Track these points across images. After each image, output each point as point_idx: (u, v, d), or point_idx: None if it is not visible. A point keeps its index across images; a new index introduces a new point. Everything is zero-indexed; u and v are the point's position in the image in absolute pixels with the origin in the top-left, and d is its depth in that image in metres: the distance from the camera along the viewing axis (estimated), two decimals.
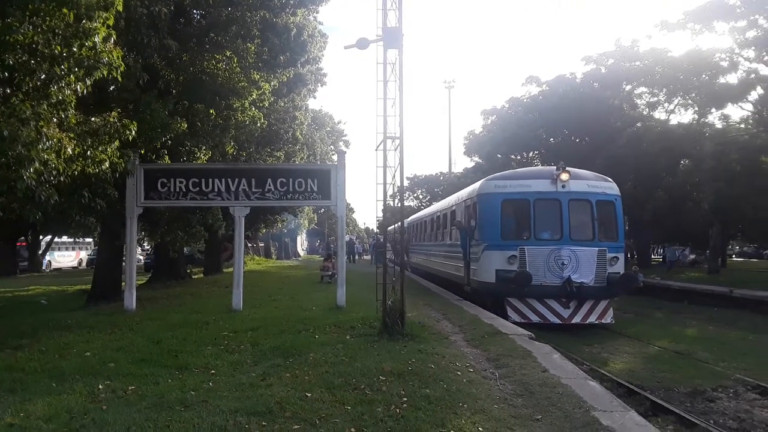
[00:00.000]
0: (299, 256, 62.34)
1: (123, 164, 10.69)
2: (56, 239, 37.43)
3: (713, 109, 27.58)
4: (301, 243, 69.99)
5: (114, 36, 8.21)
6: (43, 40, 7.35)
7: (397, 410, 5.62)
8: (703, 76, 25.35)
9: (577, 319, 13.27)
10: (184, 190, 13.19)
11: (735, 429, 6.65)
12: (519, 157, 38.04)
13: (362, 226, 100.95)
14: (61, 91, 7.80)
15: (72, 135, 8.35)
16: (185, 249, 25.57)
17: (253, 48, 14.17)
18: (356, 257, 44.20)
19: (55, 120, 7.95)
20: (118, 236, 14.95)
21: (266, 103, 16.40)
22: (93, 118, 9.24)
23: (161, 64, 12.92)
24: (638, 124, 31.24)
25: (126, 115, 10.12)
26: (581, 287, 13.05)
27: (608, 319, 13.56)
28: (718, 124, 29.58)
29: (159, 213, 15.98)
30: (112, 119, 9.33)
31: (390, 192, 10.33)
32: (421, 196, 63.06)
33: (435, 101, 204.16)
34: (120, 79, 8.92)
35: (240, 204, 13.29)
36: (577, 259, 13.24)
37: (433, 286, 20.30)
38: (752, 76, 24.39)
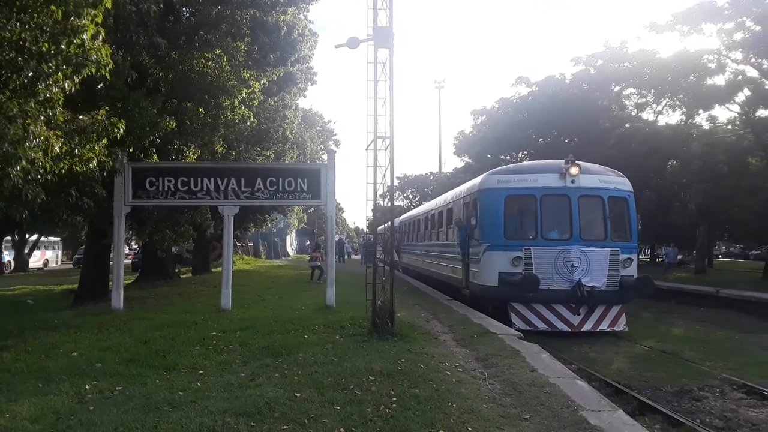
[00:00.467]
0: (289, 255, 62.22)
1: (111, 163, 10.60)
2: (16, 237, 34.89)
3: (701, 111, 27.82)
4: (291, 242, 69.88)
5: (102, 33, 8.15)
6: (31, 37, 7.27)
7: (387, 410, 5.62)
8: (691, 77, 25.56)
9: (587, 327, 12.19)
10: (172, 189, 13.11)
11: (721, 428, 6.71)
12: (508, 158, 38.17)
13: (352, 226, 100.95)
14: (48, 89, 7.72)
15: (59, 133, 8.28)
16: (173, 248, 25.45)
17: (242, 46, 14.13)
18: (346, 257, 44.18)
19: (42, 118, 7.87)
20: (105, 235, 14.85)
21: (256, 102, 16.35)
22: (81, 116, 9.17)
23: (150, 62, 12.84)
24: (626, 125, 31.47)
25: (114, 114, 10.05)
26: (592, 291, 12.01)
27: (621, 326, 12.52)
28: (706, 126, 29.86)
29: (147, 212, 15.89)
30: (100, 117, 9.26)
31: (380, 192, 10.34)
32: (411, 196, 63.17)
33: (425, 101, 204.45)
34: (108, 77, 8.87)
35: (229, 203, 13.24)
36: (587, 260, 12.20)
37: (423, 286, 20.31)
38: (739, 77, 24.62)
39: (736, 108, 26.02)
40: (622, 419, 5.54)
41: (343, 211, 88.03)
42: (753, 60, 24.18)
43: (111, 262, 14.98)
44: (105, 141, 9.42)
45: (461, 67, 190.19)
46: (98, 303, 14.65)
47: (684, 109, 28.70)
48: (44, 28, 7.34)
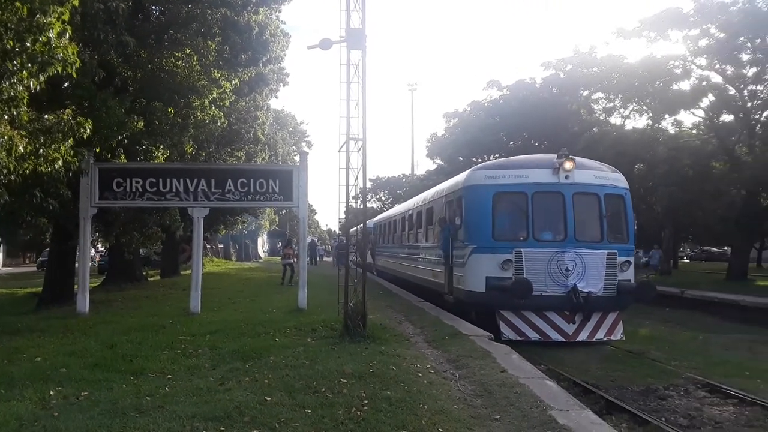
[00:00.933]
0: (260, 257, 61.68)
1: (77, 163, 10.39)
2: None
3: (666, 115, 28.46)
4: (262, 245, 69.28)
5: (69, 31, 7.98)
6: None
7: (358, 413, 5.61)
8: (658, 82, 26.14)
9: (582, 336, 11.18)
10: (140, 190, 12.89)
11: (686, 426, 6.87)
12: (480, 160, 38.50)
13: (324, 228, 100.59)
14: (12, 88, 7.53)
15: (24, 133, 8.07)
16: (141, 250, 25.03)
17: (213, 46, 13.98)
18: (318, 259, 43.99)
19: (6, 117, 7.68)
20: (71, 237, 14.53)
21: (227, 102, 16.20)
22: (46, 116, 8.96)
23: (118, 60, 12.62)
24: (595, 129, 32.02)
25: (81, 113, 9.84)
26: (588, 297, 10.93)
27: (618, 335, 11.52)
28: (671, 130, 30.56)
29: (114, 213, 15.60)
30: (66, 117, 9.06)
31: (353, 193, 10.33)
32: (383, 198, 63.26)
33: (398, 103, 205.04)
34: (75, 76, 8.71)
35: (199, 205, 13.06)
36: (583, 263, 11.15)
37: (396, 288, 20.29)
38: (704, 83, 25.28)
39: (701, 113, 26.72)
40: (589, 418, 5.62)
41: (315, 213, 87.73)
42: (717, 66, 24.87)
43: (76, 265, 14.66)
44: (71, 141, 9.22)
45: (434, 69, 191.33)
46: (63, 306, 14.32)
47: (650, 114, 29.33)
48: (8, 25, 7.16)
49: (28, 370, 7.41)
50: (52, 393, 6.33)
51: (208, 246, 40.74)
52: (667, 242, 31.43)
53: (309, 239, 28.97)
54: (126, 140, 13.07)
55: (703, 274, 30.46)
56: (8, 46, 7.21)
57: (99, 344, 9.10)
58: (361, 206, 10.83)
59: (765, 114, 24.41)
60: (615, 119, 33.72)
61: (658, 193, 28.46)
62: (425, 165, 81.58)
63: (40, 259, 40.08)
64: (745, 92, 24.64)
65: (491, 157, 38.82)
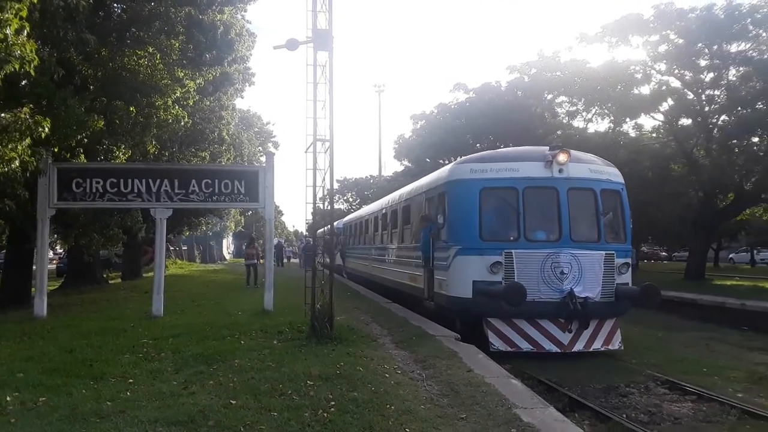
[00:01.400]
0: (225, 259, 60.97)
1: (35, 163, 10.12)
2: None
3: (628, 119, 29.09)
4: (227, 246, 68.49)
5: (27, 28, 7.77)
6: None
7: (325, 414, 5.59)
8: (619, 87, 26.71)
9: (579, 346, 10.24)
10: (101, 190, 12.61)
11: (646, 423, 7.01)
12: (447, 162, 38.80)
13: (291, 229, 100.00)
14: None
15: None
16: (102, 252, 24.46)
17: (177, 45, 13.77)
18: (285, 261, 43.68)
19: None
20: (28, 239, 14.13)
21: (191, 102, 15.98)
22: (3, 114, 8.70)
23: (78, 58, 12.31)
24: (558, 132, 32.54)
25: (39, 112, 9.57)
26: (585, 304, 10.01)
27: (616, 344, 10.62)
28: (632, 133, 31.29)
29: (73, 215, 15.22)
30: (23, 115, 8.80)
31: (320, 195, 10.31)
32: (351, 199, 63.16)
33: (365, 105, 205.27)
34: (33, 74, 8.49)
35: (161, 206, 12.84)
36: (579, 266, 10.21)
37: (363, 290, 20.25)
38: (663, 87, 25.94)
39: (661, 117, 27.41)
40: (553, 416, 5.72)
41: (282, 215, 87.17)
42: (676, 71, 25.57)
43: (34, 267, 14.24)
44: (28, 140, 8.97)
45: (401, 71, 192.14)
46: (20, 310, 13.91)
47: (612, 118, 29.94)
48: None
49: None
50: (8, 399, 6.15)
51: (171, 248, 40.09)
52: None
53: (276, 240, 28.71)
54: (86, 140, 12.77)
55: (663, 274, 31.27)
56: None
57: (57, 348, 8.88)
58: (329, 207, 10.80)
59: (722, 118, 25.17)
60: (578, 122, 34.35)
61: None
62: (393, 166, 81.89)
63: None
64: (703, 97, 25.39)
65: (457, 159, 39.14)
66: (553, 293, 10.10)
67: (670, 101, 25.96)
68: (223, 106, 24.47)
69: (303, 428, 5.26)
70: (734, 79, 24.27)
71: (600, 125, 33.29)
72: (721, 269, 38.46)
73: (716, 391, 8.13)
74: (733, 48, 23.66)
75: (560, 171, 10.63)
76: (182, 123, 15.44)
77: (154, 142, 15.53)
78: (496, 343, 10.16)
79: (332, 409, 5.75)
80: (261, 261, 23.07)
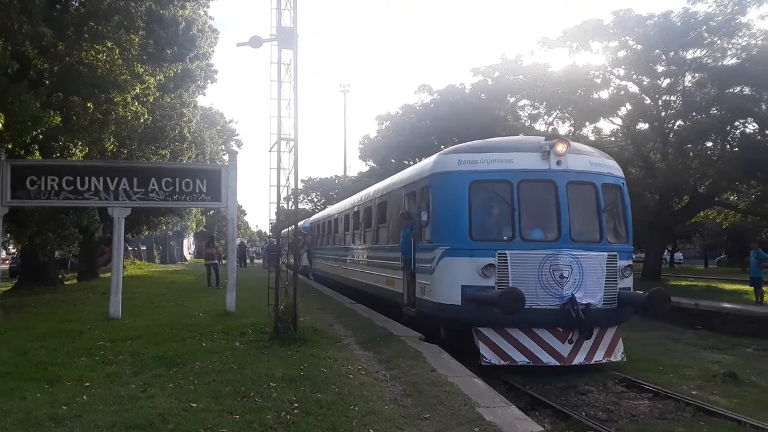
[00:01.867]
0: (186, 260, 59.92)
1: None
2: None
3: (587, 123, 29.74)
4: (188, 246, 67.32)
5: None
6: None
7: (288, 416, 5.53)
8: (579, 91, 27.27)
9: (579, 358, 9.15)
10: (56, 188, 12.23)
11: (604, 420, 7.16)
12: (412, 163, 38.98)
13: (255, 229, 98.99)
14: None
15: None
16: (57, 252, 23.75)
17: (137, 40, 13.46)
18: (248, 261, 43.17)
19: None
20: None
21: (151, 98, 15.67)
22: None
23: (33, 52, 11.92)
24: (521, 135, 33.05)
25: None
26: (587, 311, 8.92)
27: (618, 355, 9.57)
28: (592, 137, 31.90)
29: (28, 213, 14.74)
30: None
31: (284, 194, 10.20)
32: (315, 199, 62.75)
33: (331, 104, 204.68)
34: None
35: (120, 204, 12.52)
36: (580, 268, 9.13)
37: (328, 290, 20.14)
38: (622, 92, 26.60)
39: (619, 121, 28.08)
40: (514, 414, 5.79)
41: (245, 214, 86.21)
42: (634, 77, 26.26)
43: None
44: None
45: (366, 72, 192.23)
46: None
47: (572, 121, 30.55)
48: None
49: None
50: None
51: (130, 248, 39.20)
52: None
53: (238, 241, 28.28)
54: (41, 136, 12.39)
55: None
56: None
57: (10, 351, 8.59)
58: (293, 207, 10.70)
59: (678, 123, 25.95)
60: (540, 126, 34.91)
61: None
62: (358, 167, 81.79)
63: None
64: (660, 102, 26.13)
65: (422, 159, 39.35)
66: (552, 299, 8.98)
67: (628, 106, 26.64)
68: (185, 103, 24.02)
69: (265, 431, 5.20)
70: (690, 85, 25.08)
71: (561, 128, 33.92)
72: (676, 270, 39.61)
73: (672, 389, 8.35)
74: (689, 55, 24.45)
75: (558, 163, 9.52)
76: (142, 120, 15.14)
77: (112, 140, 15.17)
78: (488, 356, 8.98)
79: (295, 411, 5.70)
80: (223, 261, 22.69)
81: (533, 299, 8.81)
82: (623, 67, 26.12)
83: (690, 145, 24.72)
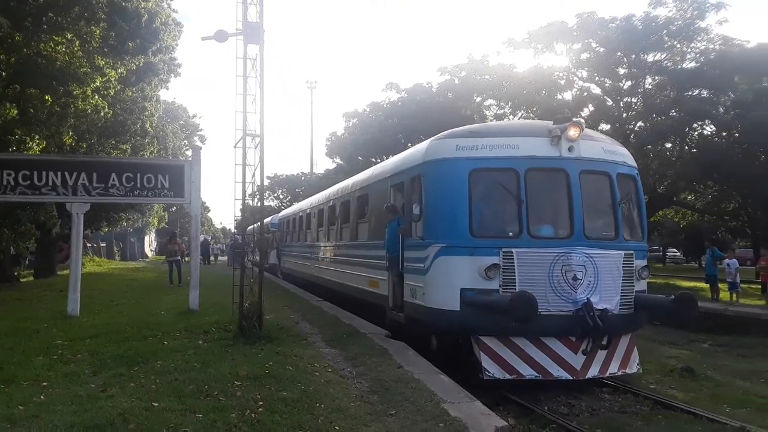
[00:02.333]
0: (147, 257, 58.80)
1: None
2: None
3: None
4: (150, 243, 66.07)
5: None
6: None
7: (253, 415, 5.48)
8: (544, 92, 27.73)
9: (593, 371, 8.08)
10: (12, 183, 11.86)
11: (566, 414, 7.31)
12: (380, 161, 39.02)
13: (219, 226, 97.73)
14: None
15: None
16: (12, 249, 23.02)
17: (98, 32, 13.15)
18: (212, 259, 42.61)
19: None
20: None
21: (112, 92, 15.35)
22: None
23: None
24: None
25: None
26: (603, 317, 7.82)
27: (634, 366, 8.54)
28: None
29: None
30: None
31: (249, 191, 10.10)
32: (281, 197, 62.25)
33: (297, 101, 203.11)
34: None
35: (79, 200, 12.21)
36: (595, 269, 8.08)
37: (294, 288, 19.98)
38: (585, 94, 27.16)
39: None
40: (479, 409, 5.85)
41: (209, 211, 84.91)
42: (597, 78, 26.81)
43: None
44: None
45: (334, 69, 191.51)
46: None
47: None
48: None
49: None
50: None
51: (89, 244, 38.25)
52: None
53: (202, 238, 27.78)
54: None
55: None
56: None
57: None
58: (259, 204, 10.59)
59: (638, 124, 26.61)
60: None
61: None
62: (325, 164, 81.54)
63: None
64: (621, 104, 26.76)
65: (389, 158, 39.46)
66: (565, 304, 7.90)
67: (591, 107, 27.19)
68: (147, 96, 23.57)
69: (230, 429, 5.14)
70: (650, 87, 25.75)
71: None
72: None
73: (631, 384, 8.56)
74: (650, 58, 25.10)
75: (570, 149, 8.42)
76: (102, 113, 14.82)
77: (71, 133, 14.79)
78: (491, 369, 7.84)
79: (260, 410, 5.65)
80: (186, 259, 22.30)
81: (543, 304, 7.69)
82: (586, 69, 26.66)
83: (650, 146, 25.36)
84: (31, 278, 24.78)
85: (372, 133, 36.71)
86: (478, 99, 34.28)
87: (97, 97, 14.20)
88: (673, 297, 8.41)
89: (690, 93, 23.62)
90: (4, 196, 12.05)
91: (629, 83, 26.19)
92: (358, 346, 8.83)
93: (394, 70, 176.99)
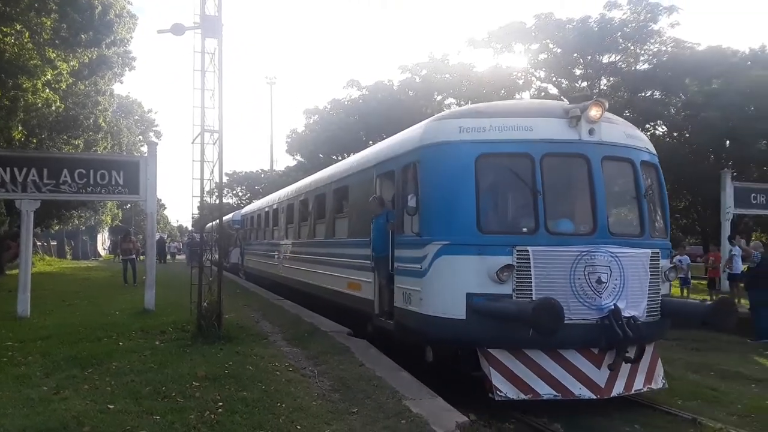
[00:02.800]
0: (100, 256, 57.26)
1: None
2: None
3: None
4: (103, 242, 64.33)
5: None
6: None
7: (212, 416, 5.41)
8: (502, 91, 28.12)
9: (618, 388, 7.06)
10: None
11: (524, 411, 7.42)
12: (341, 158, 38.91)
13: (175, 224, 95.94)
14: None
15: None
16: None
17: (49, 23, 12.72)
18: (169, 257, 41.80)
19: None
20: None
21: (63, 85, 14.88)
22: None
23: None
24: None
25: None
26: (632, 326, 6.82)
27: (659, 380, 7.55)
28: None
29: None
30: None
31: (207, 188, 9.93)
32: (240, 194, 61.43)
33: (257, 97, 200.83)
34: None
35: (28, 197, 11.79)
36: (621, 271, 7.00)
37: (254, 286, 19.73)
38: (542, 94, 27.67)
39: None
40: (441, 405, 5.91)
41: (164, 208, 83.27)
42: (554, 79, 27.36)
43: None
44: None
45: (294, 65, 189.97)
46: None
47: None
48: None
49: None
50: None
51: (39, 243, 36.99)
52: None
53: (158, 236, 27.14)
54: None
55: None
56: None
57: None
58: (217, 201, 10.43)
59: None
60: None
61: None
62: (285, 161, 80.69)
63: None
64: None
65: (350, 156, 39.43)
66: (588, 312, 6.85)
67: None
68: (100, 90, 22.90)
69: (188, 431, 5.06)
70: (605, 88, 26.41)
71: None
72: None
73: None
74: (605, 59, 25.78)
75: (591, 132, 7.32)
76: (53, 108, 14.38)
77: (20, 128, 14.24)
78: (504, 388, 6.75)
79: (220, 410, 5.58)
80: (141, 257, 21.78)
81: (565, 311, 6.54)
82: (544, 69, 27.17)
83: None
84: None
85: (333, 131, 36.56)
86: (439, 98, 34.53)
87: (48, 90, 13.76)
88: (711, 303, 7.75)
89: (643, 94, 24.34)
90: None
91: (585, 84, 26.81)
92: (320, 345, 8.80)
93: (355, 68, 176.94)
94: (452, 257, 7.18)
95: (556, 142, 7.29)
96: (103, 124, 23.53)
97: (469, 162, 7.21)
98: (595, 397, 6.94)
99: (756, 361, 10.43)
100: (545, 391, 6.88)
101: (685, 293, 17.65)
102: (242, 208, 34.42)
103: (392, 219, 8.61)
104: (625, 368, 7.14)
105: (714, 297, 16.04)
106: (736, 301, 12.86)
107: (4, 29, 12.30)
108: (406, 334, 8.14)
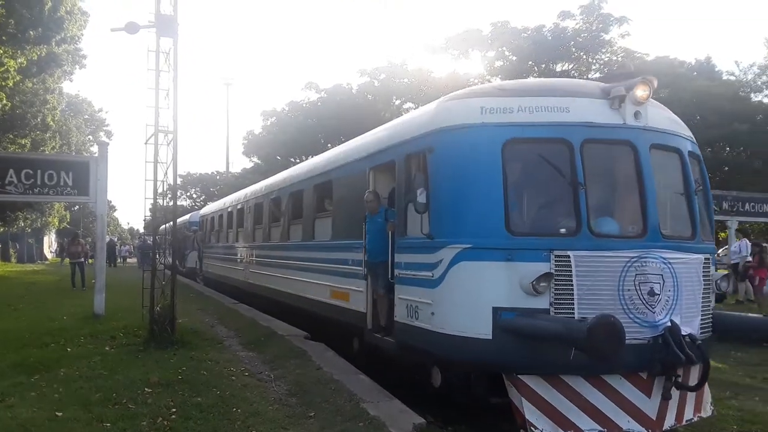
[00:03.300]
0: (47, 259, 55.27)
1: None
2: None
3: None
4: (49, 244, 62.13)
5: None
6: None
7: (165, 422, 5.32)
8: None
9: (670, 420, 5.85)
10: None
11: (486, 407, 7.50)
12: (299, 161, 38.66)
13: (126, 227, 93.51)
14: None
15: None
16: None
17: None
18: (120, 261, 40.72)
19: None
20: None
21: (10, 83, 14.40)
22: None
23: None
24: None
25: None
26: (690, 345, 5.69)
27: (708, 408, 6.30)
28: None
29: None
30: None
31: (161, 190, 9.72)
32: (195, 195, 60.30)
33: (213, 98, 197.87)
34: None
35: None
36: (675, 280, 5.83)
37: (209, 290, 19.35)
38: None
39: None
40: (398, 407, 5.93)
41: (115, 210, 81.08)
42: None
43: None
44: None
45: (252, 66, 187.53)
46: None
47: None
48: None
49: None
50: None
51: None
52: None
53: (108, 238, 26.29)
54: None
55: None
56: None
57: None
58: (171, 203, 10.22)
59: None
60: None
61: None
62: (241, 163, 79.34)
63: None
64: None
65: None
66: (640, 329, 5.58)
67: None
68: (49, 89, 22.25)
69: None
70: None
71: None
72: None
73: None
74: (559, 67, 26.47)
75: (636, 116, 6.02)
76: None
77: None
78: (538, 423, 5.45)
79: (173, 416, 5.49)
80: (90, 261, 21.15)
81: None
82: (500, 76, 27.70)
83: None
84: None
85: (291, 133, 36.34)
86: (397, 102, 34.77)
87: None
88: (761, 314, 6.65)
89: None
90: None
91: None
92: (277, 349, 8.73)
93: (313, 70, 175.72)
94: (474, 264, 5.89)
95: (598, 127, 5.97)
96: (51, 123, 22.86)
97: (495, 149, 5.88)
98: (645, 431, 5.71)
99: None
100: (588, 426, 5.60)
101: None
102: (197, 210, 33.56)
103: (392, 218, 7.29)
104: (675, 395, 5.89)
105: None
106: None
107: None
108: (410, 353, 6.80)
